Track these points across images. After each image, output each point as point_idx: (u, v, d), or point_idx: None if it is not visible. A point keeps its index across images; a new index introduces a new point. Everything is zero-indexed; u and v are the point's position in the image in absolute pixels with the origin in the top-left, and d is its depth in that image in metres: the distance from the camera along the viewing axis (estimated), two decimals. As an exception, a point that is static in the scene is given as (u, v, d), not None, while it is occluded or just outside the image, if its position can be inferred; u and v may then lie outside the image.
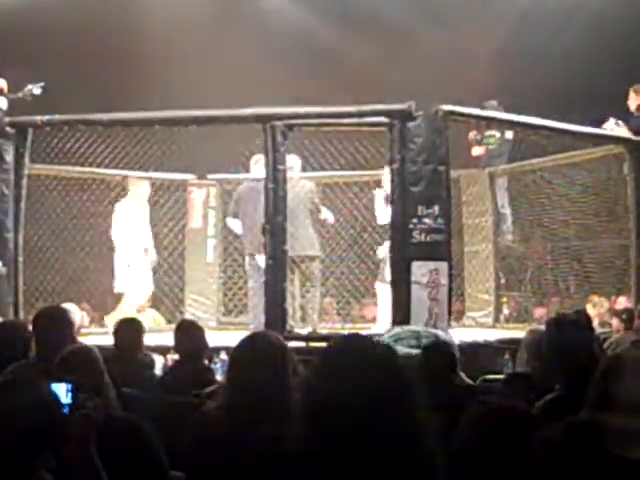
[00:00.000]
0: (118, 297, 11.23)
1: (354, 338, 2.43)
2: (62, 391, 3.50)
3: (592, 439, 2.88)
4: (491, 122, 11.09)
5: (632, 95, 11.08)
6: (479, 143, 12.17)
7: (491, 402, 2.62)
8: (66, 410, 3.23)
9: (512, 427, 2.50)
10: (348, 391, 2.02)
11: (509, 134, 11.82)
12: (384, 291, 10.05)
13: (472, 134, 12.15)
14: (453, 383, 5.81)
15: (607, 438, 2.89)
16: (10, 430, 2.74)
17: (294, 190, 9.79)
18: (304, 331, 9.44)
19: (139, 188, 11.00)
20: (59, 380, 3.43)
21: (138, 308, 11.65)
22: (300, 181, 10.19)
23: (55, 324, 5.31)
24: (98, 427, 3.24)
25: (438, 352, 6.09)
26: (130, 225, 10.81)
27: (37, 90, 9.62)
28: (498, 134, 11.95)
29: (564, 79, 13.25)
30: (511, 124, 10.66)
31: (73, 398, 3.39)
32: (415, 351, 7.06)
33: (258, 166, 10.06)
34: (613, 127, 10.71)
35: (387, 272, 9.79)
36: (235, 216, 10.66)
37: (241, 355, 3.83)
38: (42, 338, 5.23)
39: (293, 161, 10.05)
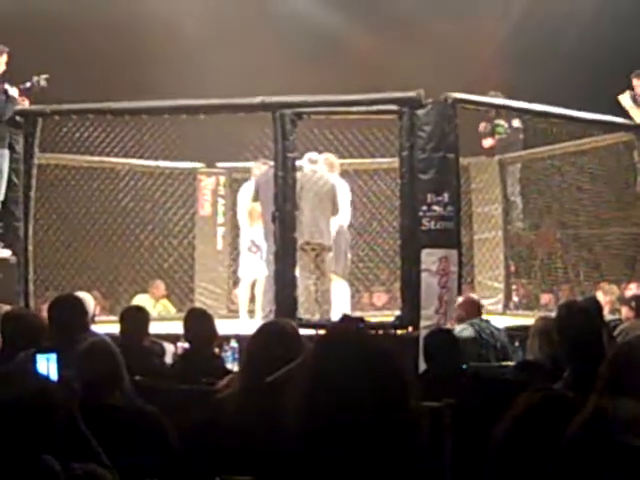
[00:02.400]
0: (130, 285, 11.39)
1: (344, 329, 2.40)
2: (51, 362, 3.54)
3: (603, 427, 2.90)
4: (500, 110, 11.08)
5: (637, 82, 10.94)
6: (491, 135, 12.18)
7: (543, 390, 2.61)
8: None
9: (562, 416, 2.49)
10: (337, 383, 2.02)
11: (516, 122, 11.81)
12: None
13: (482, 126, 12.16)
14: (459, 370, 5.84)
15: (616, 425, 2.91)
16: (8, 420, 2.77)
17: (321, 181, 9.94)
18: (315, 318, 9.41)
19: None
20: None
21: (152, 296, 11.75)
22: (325, 174, 10.20)
23: (71, 312, 5.33)
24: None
25: (440, 338, 6.12)
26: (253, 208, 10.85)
27: (43, 82, 9.63)
28: (506, 124, 11.96)
29: (574, 67, 13.22)
30: (520, 111, 10.65)
31: (59, 370, 3.45)
32: None
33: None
34: (630, 103, 10.66)
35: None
36: (256, 200, 10.52)
37: (255, 343, 3.87)
38: (57, 326, 5.24)
39: (316, 155, 10.09)
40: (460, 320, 8.17)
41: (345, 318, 3.54)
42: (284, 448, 2.14)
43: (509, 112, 11.19)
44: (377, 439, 1.97)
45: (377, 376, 2.01)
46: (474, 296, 8.60)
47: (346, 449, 1.97)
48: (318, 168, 10.04)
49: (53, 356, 3.63)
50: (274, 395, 3.28)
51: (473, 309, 8.27)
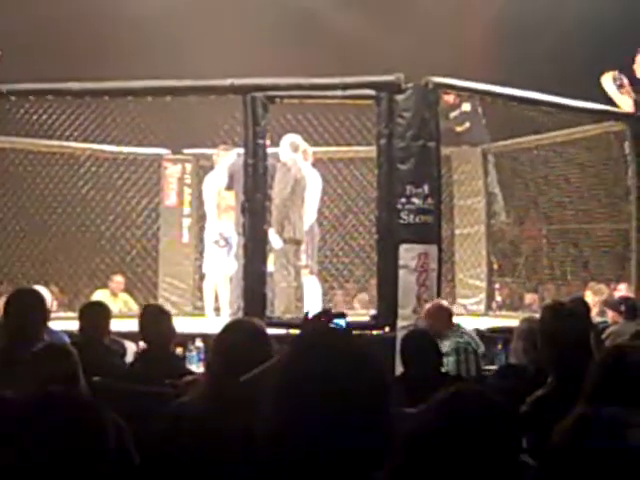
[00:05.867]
0: (90, 279, 11.35)
1: (323, 331, 2.38)
2: None
3: (587, 436, 2.91)
4: (485, 96, 11.04)
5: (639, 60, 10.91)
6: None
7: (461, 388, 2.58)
8: None
9: (481, 416, 2.48)
10: (315, 392, 2.00)
11: (466, 106, 11.70)
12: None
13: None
14: (439, 373, 5.84)
15: (607, 430, 2.92)
16: None
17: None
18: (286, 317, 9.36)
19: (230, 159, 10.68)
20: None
21: (111, 292, 11.70)
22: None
23: (31, 308, 5.27)
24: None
25: (418, 340, 6.11)
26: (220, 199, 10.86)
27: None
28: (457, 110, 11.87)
29: (565, 51, 13.25)
30: (506, 98, 10.60)
31: None
32: None
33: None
34: (613, 88, 10.65)
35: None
36: (230, 189, 10.46)
37: (222, 342, 3.85)
38: (14, 323, 5.18)
39: (300, 141, 10.06)
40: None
41: (323, 314, 3.47)
42: (253, 459, 2.12)
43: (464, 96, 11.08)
44: (355, 445, 1.96)
45: (359, 380, 2.00)
46: (443, 302, 8.15)
47: (321, 456, 1.95)
48: (299, 157, 9.97)
49: None
50: (244, 400, 3.26)
51: (442, 319, 7.54)
